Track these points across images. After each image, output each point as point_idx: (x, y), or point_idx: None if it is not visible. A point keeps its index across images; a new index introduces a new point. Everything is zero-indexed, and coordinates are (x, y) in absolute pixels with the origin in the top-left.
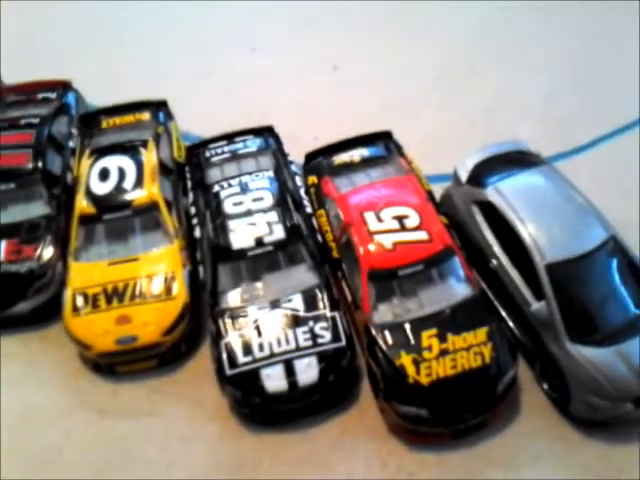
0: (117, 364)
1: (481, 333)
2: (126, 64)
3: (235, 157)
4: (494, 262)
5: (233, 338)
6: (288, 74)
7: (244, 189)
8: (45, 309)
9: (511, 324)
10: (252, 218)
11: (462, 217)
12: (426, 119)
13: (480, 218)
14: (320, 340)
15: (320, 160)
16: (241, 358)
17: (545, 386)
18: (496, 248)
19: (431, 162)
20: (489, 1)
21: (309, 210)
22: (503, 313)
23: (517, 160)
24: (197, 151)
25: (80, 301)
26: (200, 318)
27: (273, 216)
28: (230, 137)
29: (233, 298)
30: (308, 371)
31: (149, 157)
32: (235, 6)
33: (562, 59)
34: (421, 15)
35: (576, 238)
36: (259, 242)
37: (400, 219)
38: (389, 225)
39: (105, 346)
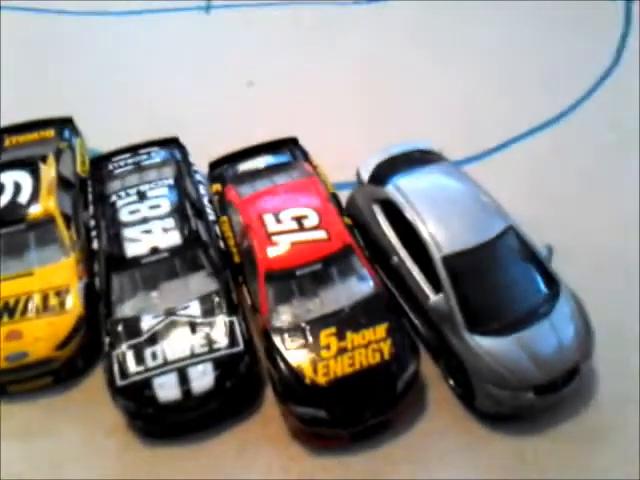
0: (8, 383)
1: (380, 330)
2: (38, 83)
3: (138, 168)
4: (395, 259)
5: (125, 348)
6: (203, 89)
7: (142, 197)
8: None
9: (415, 320)
10: (147, 225)
11: (365, 217)
12: (339, 128)
13: (381, 216)
14: (216, 345)
15: (225, 168)
16: (133, 368)
17: (451, 382)
18: (396, 245)
19: (343, 170)
20: (404, 8)
21: (212, 217)
22: (406, 309)
23: (418, 158)
24: (100, 165)
25: None
26: (98, 333)
27: (170, 222)
28: (134, 149)
29: (128, 308)
30: (203, 378)
31: (47, 172)
32: (164, 24)
33: (478, 59)
34: (335, 23)
35: (473, 230)
36: (154, 249)
37: (299, 220)
38: (288, 226)
39: None
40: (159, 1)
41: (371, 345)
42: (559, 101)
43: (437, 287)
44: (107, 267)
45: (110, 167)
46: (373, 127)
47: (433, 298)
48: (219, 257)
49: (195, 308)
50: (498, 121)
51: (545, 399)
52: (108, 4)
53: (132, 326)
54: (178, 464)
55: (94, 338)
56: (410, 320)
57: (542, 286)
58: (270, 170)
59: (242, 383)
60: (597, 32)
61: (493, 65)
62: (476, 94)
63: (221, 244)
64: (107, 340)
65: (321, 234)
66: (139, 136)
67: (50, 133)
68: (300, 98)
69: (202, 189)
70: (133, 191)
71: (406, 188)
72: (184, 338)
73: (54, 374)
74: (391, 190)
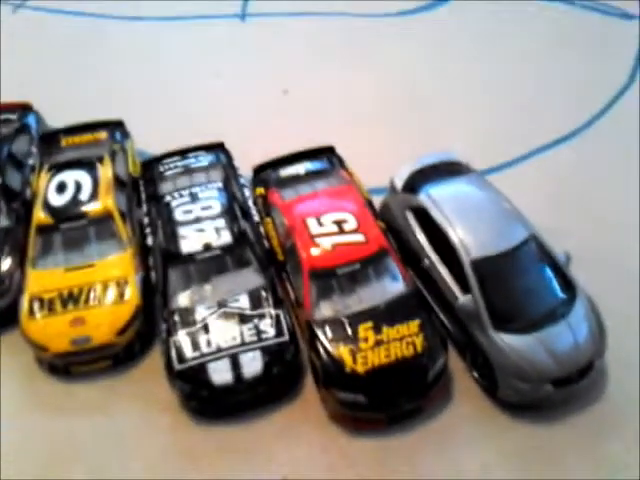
0: (72, 365)
1: (413, 325)
2: (90, 86)
3: (187, 171)
4: (426, 261)
5: (182, 335)
6: (240, 96)
7: (194, 199)
8: (3, 316)
9: (443, 318)
10: (201, 225)
11: (398, 222)
12: (371, 136)
13: (414, 222)
14: (264, 335)
15: (267, 173)
16: (189, 353)
17: (475, 374)
18: (428, 249)
19: (373, 176)
20: (432, 23)
21: (257, 219)
22: (435, 308)
23: (447, 169)
24: (151, 166)
25: (36, 305)
26: (153, 321)
27: (221, 223)
28: (183, 153)
29: (183, 299)
30: (253, 364)
31: (105, 171)
32: (200, 31)
33: (502, 75)
34: (368, 40)
35: (499, 237)
36: (207, 247)
37: (339, 223)
38: (329, 229)
39: (61, 346)
40: (194, 7)
41: (405, 339)
42: (577, 116)
43: (465, 288)
44: (164, 262)
45: (161, 169)
46: (401, 137)
47: (461, 298)
48: (264, 255)
49: (244, 301)
50: (519, 134)
51: (562, 392)
52: (145, 10)
53: (187, 315)
54: (226, 441)
55: (149, 326)
56: (438, 318)
57: (560, 289)
58: (310, 176)
59: (287, 370)
60: (613, 50)
61: (515, 80)
62: (498, 108)
63: (265, 243)
64: (164, 328)
65: (359, 237)
66: (179, 139)
67: (103, 135)
68: (332, 107)
69: (246, 192)
70: (186, 192)
71: (438, 197)
72: (235, 328)
73: (113, 358)
74: (424, 198)
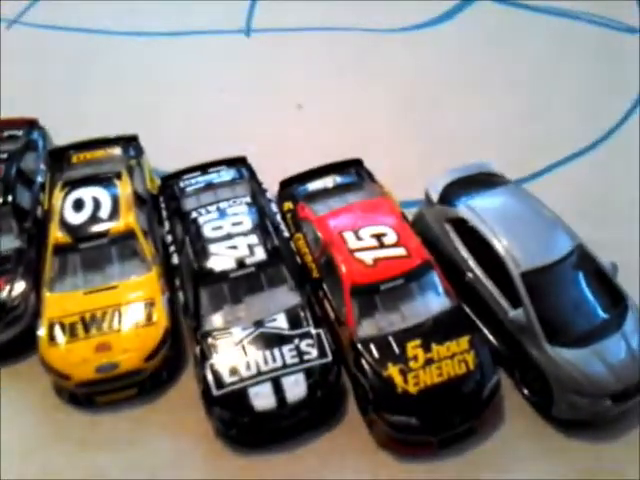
0: (96, 394)
1: (463, 342)
2: (94, 103)
3: (210, 186)
4: (469, 275)
5: (218, 359)
6: (252, 112)
7: (222, 214)
8: (17, 343)
9: (488, 334)
10: (232, 241)
11: (435, 235)
12: (391, 150)
13: (453, 235)
14: (306, 357)
15: (294, 187)
16: (227, 378)
17: (526, 391)
18: (471, 262)
19: (399, 190)
20: (444, 37)
21: (286, 234)
22: (479, 324)
23: (484, 180)
24: (171, 182)
25: (57, 331)
26: (180, 345)
27: (253, 239)
28: (203, 168)
29: (216, 320)
30: (296, 387)
31: (124, 188)
32: (204, 46)
33: (514, 88)
34: (379, 54)
35: (546, 247)
36: (240, 264)
37: (378, 237)
38: (368, 243)
39: (85, 375)
40: (196, 22)
41: (456, 356)
42: (595, 127)
43: (514, 302)
44: (195, 281)
45: (181, 185)
46: (420, 149)
47: (513, 312)
48: (298, 272)
49: (282, 320)
50: (535, 147)
51: (621, 406)
52: (146, 25)
53: (223, 337)
54: (268, 472)
55: (177, 351)
56: (483, 334)
57: (610, 300)
58: (340, 189)
59: (331, 393)
60: (619, 63)
61: (526, 93)
62: (514, 121)
63: (298, 260)
64: (198, 351)
65: (401, 251)
66: (190, 156)
67: (116, 150)
68: (348, 121)
69: (273, 207)
70: (213, 208)
71: (479, 208)
72: (274, 349)
73: (139, 385)
74: (464, 210)
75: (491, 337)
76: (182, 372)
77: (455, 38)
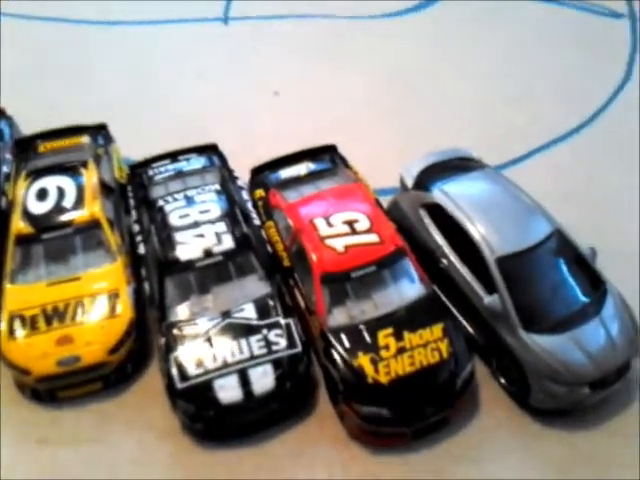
0: (58, 389)
1: (437, 329)
2: (64, 92)
3: (179, 175)
4: (444, 261)
5: (183, 351)
6: (228, 100)
7: (190, 202)
8: None
9: (463, 322)
10: (199, 229)
11: (410, 221)
12: (366, 137)
13: (428, 220)
14: (275, 347)
15: (266, 174)
16: (192, 370)
17: (502, 380)
18: (445, 248)
19: (375, 177)
20: (422, 24)
21: (257, 222)
22: (455, 311)
23: (460, 165)
24: (139, 171)
25: (17, 324)
26: (146, 337)
27: (221, 227)
28: (173, 155)
29: (182, 311)
30: (264, 379)
31: (89, 177)
32: (178, 33)
33: (495, 74)
34: (356, 41)
35: (523, 232)
36: (208, 253)
37: (350, 223)
38: (340, 230)
39: (45, 369)
40: (174, 11)
41: (429, 345)
42: (577, 113)
43: (489, 288)
44: (160, 270)
45: (150, 173)
46: (396, 136)
47: (488, 299)
48: (268, 261)
49: (250, 310)
50: (517, 133)
51: (599, 394)
52: (122, 14)
53: (188, 328)
54: (237, 467)
55: (142, 343)
56: (458, 321)
57: (589, 286)
58: (313, 176)
59: (301, 384)
60: (606, 48)
61: (509, 79)
62: (494, 106)
63: (268, 248)
64: (162, 343)
65: (373, 238)
66: (164, 144)
67: (84, 139)
68: (324, 108)
69: (244, 195)
70: (180, 196)
71: (454, 193)
72: (242, 340)
73: (104, 379)
74: (439, 195)
75: (466, 324)
76: (148, 365)
77: (434, 23)
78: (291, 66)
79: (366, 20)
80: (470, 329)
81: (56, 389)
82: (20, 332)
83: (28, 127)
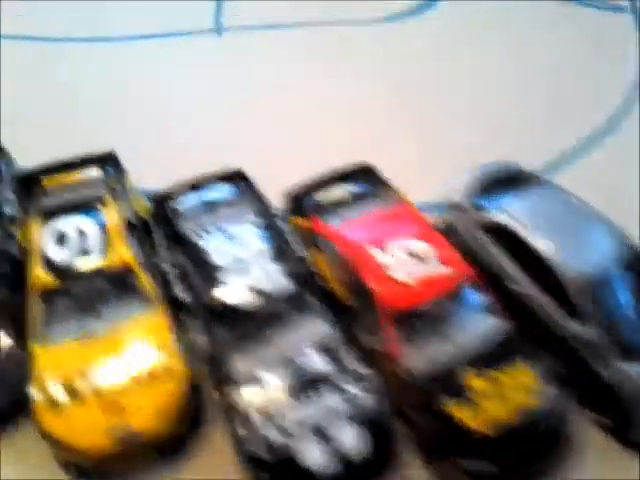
0: (109, 464)
1: (525, 366)
2: (55, 118)
3: (209, 206)
4: (514, 287)
5: (253, 412)
6: (247, 124)
7: (228, 237)
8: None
9: (545, 354)
10: (246, 268)
11: (468, 244)
12: (387, 151)
13: (492, 243)
14: (357, 401)
15: (302, 200)
16: (275, 438)
17: (595, 416)
18: (516, 273)
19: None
20: (419, 35)
21: (302, 254)
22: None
23: (516, 180)
24: (161, 203)
25: (56, 392)
26: (199, 395)
27: (271, 264)
28: (195, 184)
29: (240, 364)
30: (354, 441)
31: (110, 214)
32: (167, 50)
33: (498, 78)
34: (356, 50)
35: (601, 252)
36: (259, 294)
37: (411, 251)
38: (400, 258)
39: (96, 443)
40: (164, 24)
41: (522, 384)
42: (595, 117)
43: (573, 315)
44: (208, 318)
45: (173, 205)
46: (415, 149)
47: (576, 327)
48: (324, 298)
49: (317, 358)
50: (539, 139)
51: None
52: (110, 29)
53: (251, 384)
54: None
55: (198, 402)
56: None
57: None
58: (354, 199)
59: (390, 440)
60: (615, 44)
61: (522, 81)
62: (509, 112)
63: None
64: (224, 404)
65: (440, 266)
66: (171, 170)
67: (94, 172)
68: (337, 122)
69: (281, 224)
70: (213, 229)
71: (519, 213)
72: (315, 393)
73: (159, 449)
74: (502, 216)
75: (549, 357)
76: (205, 426)
77: (435, 31)
78: (295, 79)
79: (365, 27)
80: (553, 362)
81: (107, 464)
82: (61, 402)
83: (23, 161)
